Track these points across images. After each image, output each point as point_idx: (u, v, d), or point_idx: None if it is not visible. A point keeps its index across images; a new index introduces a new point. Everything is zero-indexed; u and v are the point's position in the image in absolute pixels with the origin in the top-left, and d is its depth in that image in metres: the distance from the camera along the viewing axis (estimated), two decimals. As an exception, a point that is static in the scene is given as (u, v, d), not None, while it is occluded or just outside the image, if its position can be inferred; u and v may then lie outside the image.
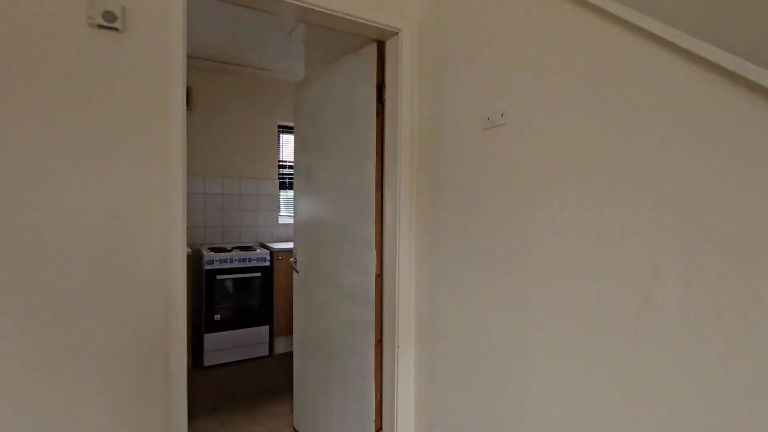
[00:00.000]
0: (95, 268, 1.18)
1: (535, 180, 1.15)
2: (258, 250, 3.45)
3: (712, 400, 0.76)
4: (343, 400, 1.85)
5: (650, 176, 0.88)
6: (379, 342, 1.70)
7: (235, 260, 3.26)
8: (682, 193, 0.83)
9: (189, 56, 3.48)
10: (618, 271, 0.94)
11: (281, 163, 4.16)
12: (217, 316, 3.20)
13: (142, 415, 1.25)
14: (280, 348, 3.52)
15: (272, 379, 3.00)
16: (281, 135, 4.16)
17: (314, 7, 1.43)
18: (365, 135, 1.70)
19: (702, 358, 0.78)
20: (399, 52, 1.60)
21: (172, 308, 1.29)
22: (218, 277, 3.19)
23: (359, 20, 1.52)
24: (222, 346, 3.21)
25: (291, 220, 4.19)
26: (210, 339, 3.17)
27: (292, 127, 4.14)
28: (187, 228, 3.72)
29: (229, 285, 3.27)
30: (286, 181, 4.19)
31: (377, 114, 1.67)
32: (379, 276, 1.68)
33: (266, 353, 3.39)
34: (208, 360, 3.17)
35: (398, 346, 1.61)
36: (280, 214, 4.15)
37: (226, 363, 3.23)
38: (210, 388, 2.86)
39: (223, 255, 3.22)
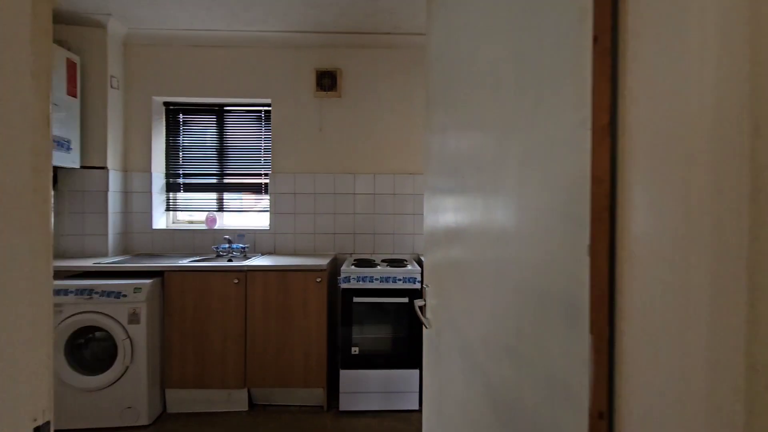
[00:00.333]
0: None
1: None
2: (408, 267, 2.61)
3: None
4: None
5: None
6: None
7: (376, 279, 2.50)
8: None
9: (332, 32, 2.96)
10: None
11: (444, 154, 3.25)
12: (355, 350, 2.51)
13: None
14: (435, 400, 2.59)
15: (416, 456, 2.09)
16: (445, 118, 3.24)
17: None
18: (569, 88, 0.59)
19: None
20: None
21: None
22: (356, 299, 2.50)
23: None
24: (360, 387, 2.50)
25: (456, 227, 3.21)
26: (346, 377, 2.50)
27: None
28: (335, 234, 3.27)
29: (370, 311, 2.54)
30: (451, 176, 3.25)
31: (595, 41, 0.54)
32: (602, 416, 0.52)
33: (415, 407, 2.51)
34: (345, 403, 2.50)
35: None
36: (443, 218, 3.23)
37: (365, 411, 2.50)
38: (337, 449, 2.16)
39: (362, 271, 2.51)
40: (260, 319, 2.48)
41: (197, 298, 2.46)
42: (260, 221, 3.23)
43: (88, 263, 2.46)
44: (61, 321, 2.23)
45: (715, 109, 0.35)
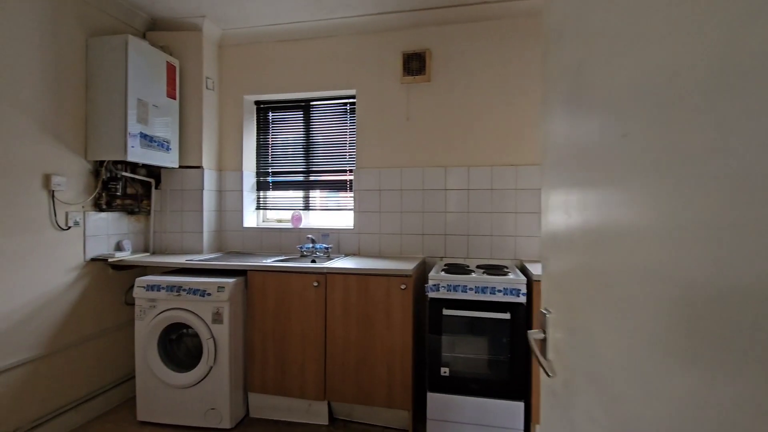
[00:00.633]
0: None
1: None
2: (510, 275, 2.17)
3: None
4: None
5: None
6: None
7: (471, 288, 2.11)
8: None
9: (418, 9, 2.64)
10: None
11: (555, 140, 2.70)
12: (445, 371, 2.14)
13: None
14: (545, 442, 2.09)
15: None
16: (555, 98, 2.70)
17: None
18: None
19: None
20: None
21: None
22: (446, 311, 2.13)
23: None
24: (451, 415, 2.13)
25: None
26: (435, 401, 2.15)
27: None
28: (423, 235, 2.93)
29: (463, 325, 2.15)
30: (564, 167, 2.68)
31: None
32: None
33: (520, 447, 2.05)
34: (432, 430, 2.15)
35: None
36: (553, 218, 2.68)
37: (457, 444, 2.12)
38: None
39: (454, 278, 2.14)
40: (340, 327, 2.26)
41: (278, 300, 2.34)
42: (345, 220, 3.05)
43: (182, 260, 2.51)
44: (155, 316, 2.28)
45: None
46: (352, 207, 2.91)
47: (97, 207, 2.48)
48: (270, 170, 3.16)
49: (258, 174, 3.17)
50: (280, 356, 2.33)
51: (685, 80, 0.41)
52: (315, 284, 2.28)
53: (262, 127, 3.17)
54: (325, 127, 3.05)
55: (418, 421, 2.29)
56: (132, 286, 2.46)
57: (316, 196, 3.12)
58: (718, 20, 0.37)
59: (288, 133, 3.13)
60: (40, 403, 2.12)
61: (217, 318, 2.23)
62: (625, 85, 0.54)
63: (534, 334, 0.84)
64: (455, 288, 2.12)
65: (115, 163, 2.51)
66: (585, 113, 0.68)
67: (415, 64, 2.71)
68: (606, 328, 0.59)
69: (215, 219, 3.02)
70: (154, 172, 2.86)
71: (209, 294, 2.23)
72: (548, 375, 0.79)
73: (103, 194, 2.50)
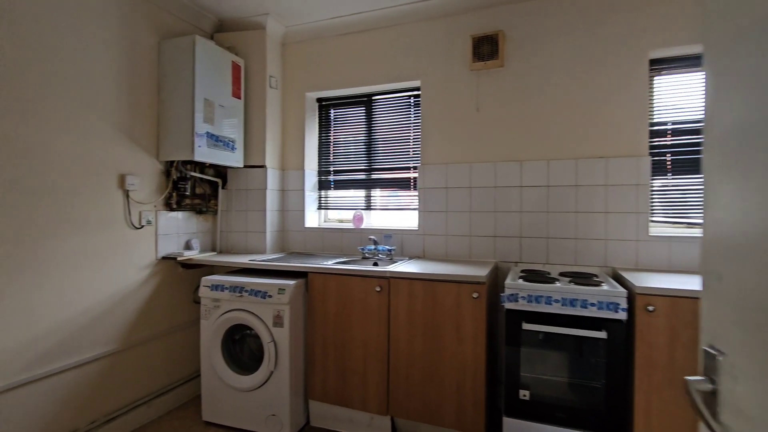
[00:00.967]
0: None
1: None
2: (604, 286, 1.84)
3: None
4: None
5: None
6: None
7: (557, 300, 1.81)
8: None
9: (494, -16, 2.37)
10: None
11: (655, 128, 2.30)
12: (524, 394, 1.87)
13: None
14: (651, 488, 1.73)
15: None
16: (654, 78, 2.30)
17: None
18: None
19: None
20: None
21: None
22: (526, 325, 1.86)
23: None
24: (532, 446, 1.85)
25: (679, 233, 2.24)
26: (512, 428, 1.88)
27: (686, 58, 2.21)
28: (496, 238, 2.65)
29: (546, 343, 1.86)
30: (666, 158, 2.28)
31: None
32: None
33: (619, 493, 1.72)
34: (510, 461, 1.89)
35: None
36: (653, 219, 2.28)
37: (539, 480, 1.83)
38: None
39: (536, 287, 1.85)
40: (404, 337, 2.08)
41: (339, 304, 2.21)
42: (409, 221, 2.87)
43: (246, 260, 2.48)
44: (219, 316, 2.26)
45: None
46: (417, 206, 2.72)
47: (168, 206, 2.53)
48: (331, 169, 3.08)
49: (320, 173, 3.10)
50: (340, 364, 2.21)
51: None
52: (377, 289, 2.12)
53: (324, 125, 3.10)
54: (387, 123, 2.89)
55: (491, 447, 2.04)
56: (199, 285, 2.49)
57: (378, 195, 2.97)
58: None
59: (350, 130, 3.02)
60: (115, 397, 2.19)
61: (278, 321, 2.15)
62: None
63: (696, 384, 0.58)
64: (537, 299, 1.83)
65: (185, 163, 2.55)
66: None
67: (485, 48, 2.45)
68: None
69: (278, 219, 2.99)
70: (221, 172, 2.90)
71: (270, 296, 2.16)
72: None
73: (174, 194, 2.56)
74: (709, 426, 0.56)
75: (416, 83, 2.72)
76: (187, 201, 2.64)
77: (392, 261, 2.50)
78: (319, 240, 2.95)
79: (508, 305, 1.89)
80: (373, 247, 2.58)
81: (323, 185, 3.10)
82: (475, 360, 1.95)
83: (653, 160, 2.27)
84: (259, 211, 2.86)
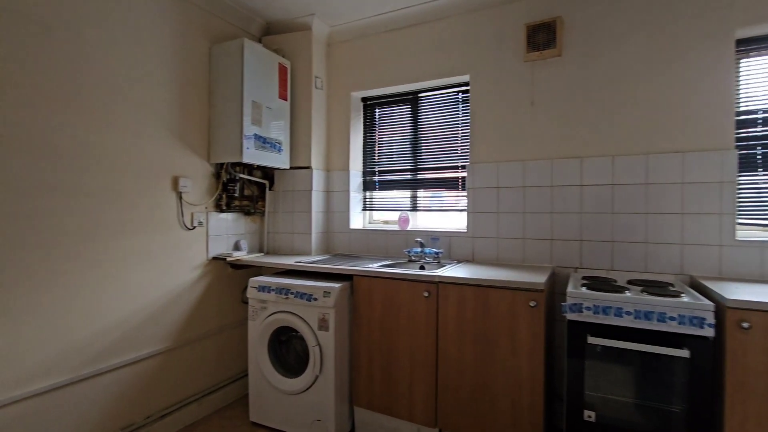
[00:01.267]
0: None
1: None
2: (684, 298, 1.62)
3: None
4: None
5: None
6: None
7: (628, 312, 1.62)
8: None
9: (551, -33, 2.19)
10: None
11: (743, 117, 2.02)
12: (589, 415, 1.69)
13: None
14: None
15: None
16: (741, 61, 2.02)
17: None
18: None
19: None
20: None
21: None
22: (591, 339, 1.68)
23: None
24: (599, 473, 1.66)
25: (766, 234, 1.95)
26: (575, 450, 1.71)
27: (776, 29, 1.93)
28: (553, 241, 2.45)
29: (616, 359, 1.67)
30: (757, 152, 1.99)
31: None
32: None
33: None
34: (572, 487, 1.71)
35: None
36: (740, 221, 2.00)
37: None
38: None
39: (603, 297, 1.67)
40: (453, 346, 1.96)
41: (384, 309, 2.13)
42: (457, 222, 2.74)
43: (292, 261, 2.48)
44: (266, 318, 2.26)
45: None
46: (465, 207, 2.58)
47: (218, 208, 2.58)
48: (376, 169, 3.01)
49: (364, 173, 3.05)
50: (386, 371, 2.13)
51: None
52: (425, 294, 2.02)
53: (369, 125, 3.04)
54: (434, 121, 2.78)
55: (550, 470, 1.87)
56: (247, 286, 2.51)
57: (425, 195, 2.87)
58: None
59: (395, 129, 2.94)
60: (168, 394, 2.25)
61: (323, 325, 2.11)
62: None
63: None
64: (605, 310, 1.65)
65: (234, 165, 2.59)
66: None
67: (541, 36, 2.28)
68: None
69: (323, 220, 2.97)
70: (269, 173, 2.93)
71: (315, 299, 2.12)
72: None
73: (223, 195, 2.60)
74: None
75: (465, 78, 2.59)
76: (236, 202, 2.68)
77: (440, 264, 2.39)
78: (363, 242, 2.90)
79: (571, 316, 1.72)
80: (419, 249, 2.48)
81: (368, 186, 3.05)
82: (533, 375, 1.79)
83: (740, 154, 1.99)
84: (304, 212, 2.85)
